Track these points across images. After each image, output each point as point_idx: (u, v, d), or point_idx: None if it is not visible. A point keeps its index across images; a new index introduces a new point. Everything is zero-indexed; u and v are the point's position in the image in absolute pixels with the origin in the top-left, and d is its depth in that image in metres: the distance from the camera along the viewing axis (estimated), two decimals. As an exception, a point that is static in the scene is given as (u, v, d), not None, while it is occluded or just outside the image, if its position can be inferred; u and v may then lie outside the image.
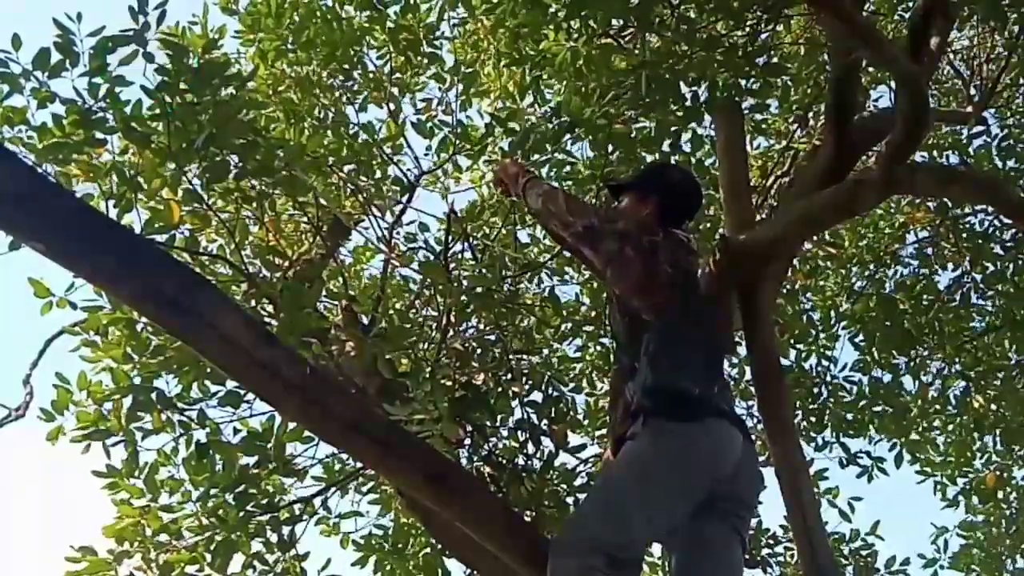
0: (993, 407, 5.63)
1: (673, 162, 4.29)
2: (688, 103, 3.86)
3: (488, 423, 3.98)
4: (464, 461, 3.91)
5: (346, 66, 4.63)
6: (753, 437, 2.89)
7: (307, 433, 3.92)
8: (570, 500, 4.06)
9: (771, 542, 5.38)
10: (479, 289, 3.76)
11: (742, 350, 4.05)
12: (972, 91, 5.30)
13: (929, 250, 5.58)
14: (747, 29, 4.06)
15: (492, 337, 4.24)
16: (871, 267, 5.71)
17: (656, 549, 4.40)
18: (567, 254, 4.26)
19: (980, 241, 5.33)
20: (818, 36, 4.95)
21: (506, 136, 4.29)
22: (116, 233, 2.27)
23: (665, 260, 2.76)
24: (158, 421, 3.92)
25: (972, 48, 5.58)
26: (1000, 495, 6.07)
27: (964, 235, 5.44)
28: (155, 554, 4.09)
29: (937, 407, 5.71)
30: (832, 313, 5.60)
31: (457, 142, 4.54)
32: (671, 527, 2.56)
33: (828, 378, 5.47)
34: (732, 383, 4.99)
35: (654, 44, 3.98)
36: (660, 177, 3.13)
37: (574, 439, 4.45)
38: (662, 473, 2.50)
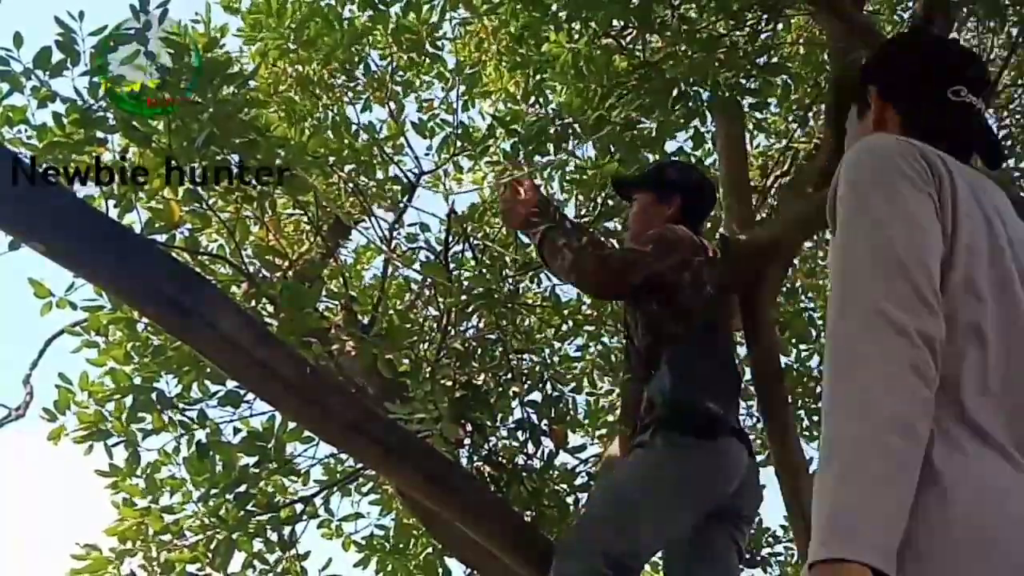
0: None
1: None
2: (689, 103, 3.86)
3: (488, 423, 3.98)
4: (464, 461, 3.91)
5: (348, 66, 4.63)
6: (754, 440, 2.90)
7: (307, 433, 3.91)
8: (570, 500, 4.06)
9: (771, 540, 5.38)
10: (479, 289, 3.75)
11: (743, 350, 4.05)
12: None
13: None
14: (747, 29, 4.06)
15: (492, 337, 4.23)
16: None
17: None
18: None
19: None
20: (818, 36, 4.94)
21: (508, 137, 4.29)
22: (116, 233, 2.27)
23: (708, 280, 2.75)
24: (158, 421, 3.92)
25: (972, 48, 5.58)
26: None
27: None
28: (156, 552, 4.09)
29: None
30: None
31: (459, 143, 4.54)
32: (675, 537, 2.58)
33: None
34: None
35: (655, 44, 3.98)
36: (680, 177, 3.07)
37: (574, 439, 4.45)
38: (674, 487, 2.51)
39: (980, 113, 1.43)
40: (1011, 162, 5.27)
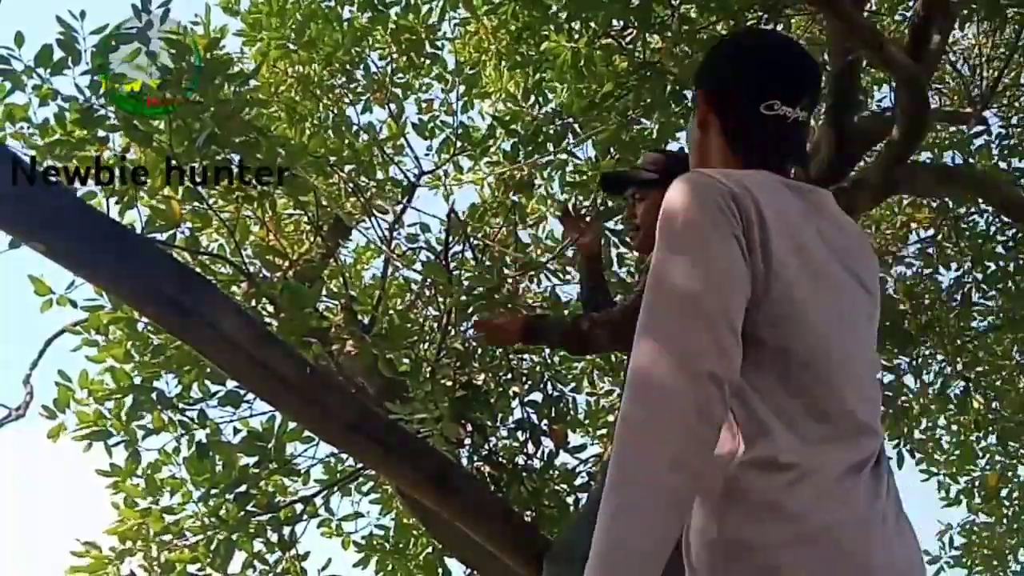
0: (995, 406, 5.62)
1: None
2: (688, 103, 3.86)
3: (488, 423, 3.98)
4: (464, 461, 3.91)
5: (348, 66, 4.63)
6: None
7: (307, 433, 3.92)
8: (570, 500, 4.06)
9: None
10: (479, 289, 3.75)
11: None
12: (973, 90, 5.30)
13: (931, 250, 5.57)
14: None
15: (493, 337, 4.23)
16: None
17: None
18: (569, 253, 4.25)
19: (981, 241, 5.32)
20: (818, 36, 4.94)
21: (508, 137, 4.29)
22: (116, 233, 2.27)
23: None
24: (158, 421, 3.92)
25: (973, 47, 5.58)
26: (1004, 493, 6.05)
27: (966, 234, 5.43)
28: (157, 553, 4.10)
29: (936, 406, 5.70)
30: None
31: (458, 143, 4.54)
32: None
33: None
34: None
35: (655, 45, 3.98)
36: (685, 170, 2.98)
37: (574, 439, 4.45)
38: None
39: (795, 124, 1.42)
40: (1013, 161, 5.27)
